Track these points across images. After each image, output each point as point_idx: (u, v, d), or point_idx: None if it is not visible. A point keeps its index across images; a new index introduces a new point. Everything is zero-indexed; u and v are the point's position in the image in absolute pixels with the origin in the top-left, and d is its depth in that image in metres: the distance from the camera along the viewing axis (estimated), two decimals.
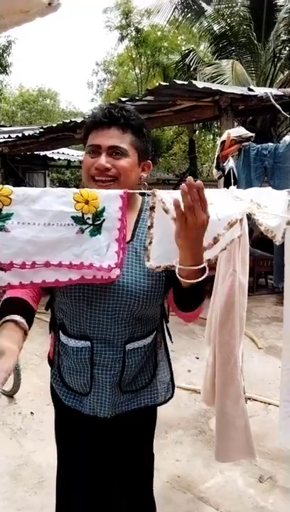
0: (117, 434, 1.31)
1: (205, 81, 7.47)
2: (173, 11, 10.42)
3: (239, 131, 4.14)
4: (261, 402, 3.08)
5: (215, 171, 4.28)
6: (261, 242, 5.89)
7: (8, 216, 0.90)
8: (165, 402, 1.37)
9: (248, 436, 1.79)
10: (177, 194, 0.98)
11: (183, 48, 13.21)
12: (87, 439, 1.30)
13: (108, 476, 1.33)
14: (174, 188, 1.67)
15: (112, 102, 1.33)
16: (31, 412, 2.94)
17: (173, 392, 1.39)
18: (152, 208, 1.00)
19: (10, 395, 3.13)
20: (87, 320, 1.17)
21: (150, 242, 1.01)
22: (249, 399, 2.91)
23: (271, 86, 8.45)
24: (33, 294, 1.20)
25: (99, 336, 1.18)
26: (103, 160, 1.13)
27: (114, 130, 1.15)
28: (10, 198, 0.90)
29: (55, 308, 1.29)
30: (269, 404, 3.05)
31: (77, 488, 1.33)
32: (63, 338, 1.24)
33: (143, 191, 1.11)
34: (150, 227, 1.01)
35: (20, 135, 7.68)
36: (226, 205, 1.09)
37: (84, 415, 1.25)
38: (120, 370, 1.21)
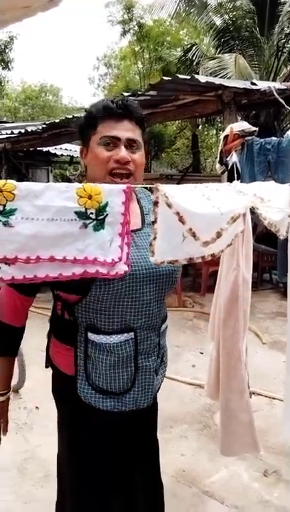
0: (142, 422, 1.32)
1: (207, 75, 7.43)
2: (177, 6, 10.36)
3: (242, 125, 4.13)
4: (265, 396, 3.09)
5: (218, 165, 4.27)
6: (265, 237, 5.87)
7: (12, 211, 0.90)
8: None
9: (252, 430, 1.79)
10: (180, 189, 0.98)
11: (186, 43, 13.14)
12: (119, 434, 1.28)
13: (131, 468, 1.34)
14: (177, 183, 1.67)
15: (118, 95, 1.34)
16: (36, 407, 2.96)
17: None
18: (155, 203, 1.00)
19: (15, 389, 3.15)
20: (132, 311, 1.16)
21: (154, 238, 1.01)
22: (254, 393, 2.92)
23: (274, 80, 8.40)
24: (17, 310, 1.28)
25: (143, 324, 1.18)
26: (125, 152, 1.12)
27: (127, 123, 1.15)
28: (13, 194, 0.90)
29: (79, 312, 1.19)
30: (274, 398, 3.06)
31: (100, 484, 1.30)
32: (98, 337, 1.17)
33: (145, 186, 1.11)
34: (153, 223, 1.01)
35: (22, 131, 7.68)
36: (229, 200, 1.09)
37: (123, 413, 1.21)
38: (157, 354, 1.24)
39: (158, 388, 1.34)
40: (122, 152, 1.12)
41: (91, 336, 1.18)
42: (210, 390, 2.01)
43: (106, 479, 1.30)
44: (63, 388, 1.31)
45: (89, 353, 1.19)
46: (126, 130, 1.14)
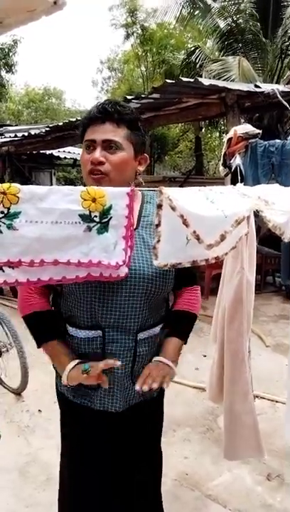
0: (130, 426, 1.31)
1: (211, 78, 7.44)
2: (181, 10, 10.39)
3: (245, 128, 4.13)
4: (268, 399, 3.07)
5: (221, 168, 4.27)
6: (268, 239, 5.86)
7: (16, 215, 0.91)
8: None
9: (256, 433, 1.78)
10: (184, 192, 0.98)
11: (189, 46, 13.17)
12: (101, 434, 1.29)
13: (124, 472, 1.34)
14: (180, 186, 1.67)
15: (109, 99, 1.35)
16: (39, 410, 2.96)
17: None
18: (159, 206, 1.00)
19: (17, 392, 3.15)
20: (101, 308, 1.17)
21: (158, 241, 1.01)
22: (257, 397, 2.91)
23: (277, 82, 8.39)
24: (46, 298, 1.29)
25: (112, 324, 1.18)
26: (97, 153, 1.15)
27: (109, 125, 1.17)
28: (18, 197, 0.91)
29: (60, 303, 1.28)
30: (277, 402, 3.04)
31: (94, 488, 1.32)
32: (71, 330, 1.24)
33: (150, 189, 1.11)
34: (157, 226, 1.01)
35: (26, 134, 7.71)
36: (233, 203, 1.09)
37: (95, 411, 1.25)
38: (131, 360, 1.22)
39: (148, 399, 1.32)
40: (95, 154, 1.16)
41: (68, 327, 1.25)
42: (212, 393, 2.00)
43: (103, 476, 1.32)
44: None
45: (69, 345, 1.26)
46: (104, 132, 1.16)
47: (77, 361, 1.20)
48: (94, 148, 1.17)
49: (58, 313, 1.29)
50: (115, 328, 1.19)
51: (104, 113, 1.17)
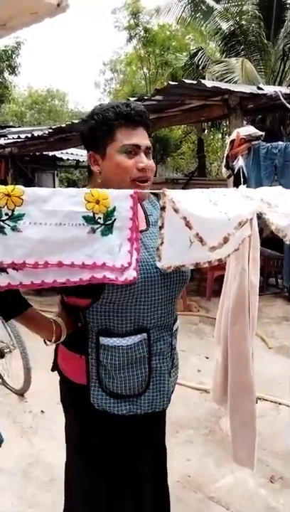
0: (155, 427, 1.33)
1: (214, 80, 7.45)
2: (183, 11, 10.40)
3: (248, 129, 4.12)
4: (271, 402, 3.07)
5: (224, 170, 4.26)
6: (271, 241, 5.85)
7: (20, 216, 0.91)
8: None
9: (252, 443, 1.73)
10: (187, 194, 0.98)
11: (192, 47, 13.18)
12: (134, 440, 1.27)
13: (142, 474, 1.34)
14: (183, 188, 1.67)
15: (122, 101, 1.32)
16: (42, 411, 2.96)
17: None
18: (163, 208, 1.00)
19: (20, 393, 3.15)
20: (145, 310, 1.16)
21: (161, 243, 1.01)
22: (260, 399, 2.90)
23: (280, 84, 8.40)
24: None
25: (156, 324, 1.19)
26: (146, 160, 1.14)
27: (142, 130, 1.17)
28: (21, 199, 0.91)
29: (90, 317, 1.17)
30: (280, 404, 3.04)
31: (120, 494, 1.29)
32: (111, 341, 1.16)
33: (153, 191, 1.11)
34: (161, 228, 1.01)
35: (29, 135, 7.73)
36: (236, 205, 1.09)
37: (140, 417, 1.21)
38: (170, 355, 1.24)
39: (172, 391, 1.34)
40: (145, 160, 1.14)
41: (103, 340, 1.16)
42: (216, 394, 1.99)
43: (120, 487, 1.28)
44: (71, 395, 1.31)
45: (101, 359, 1.17)
46: (143, 137, 1.16)
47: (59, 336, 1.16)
48: (136, 153, 1.13)
49: (85, 329, 1.18)
50: (158, 326, 1.20)
51: (141, 116, 1.15)
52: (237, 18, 9.62)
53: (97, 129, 1.16)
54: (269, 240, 5.71)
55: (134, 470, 1.30)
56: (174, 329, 1.28)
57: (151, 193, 1.19)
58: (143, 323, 1.17)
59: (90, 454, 1.27)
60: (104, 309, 1.15)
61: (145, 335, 1.18)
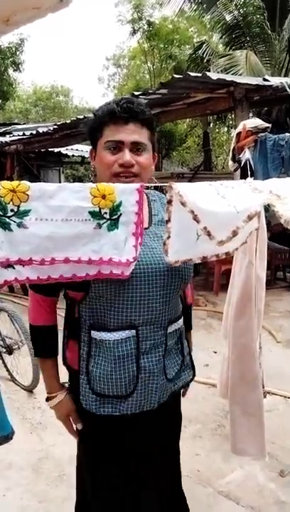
0: (155, 423, 1.30)
1: (218, 72, 7.38)
2: (184, 2, 10.31)
3: (255, 122, 4.09)
4: (280, 395, 3.05)
5: (230, 162, 4.24)
6: (279, 234, 5.81)
7: (26, 212, 0.90)
8: (191, 381, 1.41)
9: (261, 433, 1.72)
10: (194, 187, 0.97)
11: (196, 40, 13.06)
12: (129, 439, 1.26)
13: (151, 472, 1.33)
14: (189, 182, 1.66)
15: (125, 96, 1.34)
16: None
17: (194, 372, 1.42)
18: (169, 202, 0.99)
19: (29, 389, 3.17)
20: (134, 306, 1.14)
21: (168, 237, 1.00)
22: (268, 393, 2.88)
23: (286, 75, 8.32)
24: (54, 312, 1.30)
25: (146, 321, 1.17)
26: (129, 156, 1.13)
27: (133, 125, 1.15)
28: (27, 195, 0.90)
29: (82, 310, 1.20)
30: (289, 398, 3.02)
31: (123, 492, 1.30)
32: (100, 334, 1.17)
33: (159, 184, 1.10)
34: (167, 222, 1.00)
35: (34, 132, 7.73)
36: (244, 198, 1.07)
37: (129, 417, 1.20)
38: (162, 355, 1.22)
39: (175, 393, 1.32)
40: (126, 156, 1.13)
41: (94, 333, 1.18)
42: (222, 389, 1.98)
43: (122, 483, 1.28)
44: (72, 382, 1.33)
45: (92, 353, 1.19)
46: (130, 133, 1.14)
47: (65, 393, 1.29)
48: (119, 149, 1.14)
49: (77, 321, 1.22)
50: (148, 324, 1.18)
51: (129, 112, 1.14)
52: (241, 9, 9.52)
53: (92, 126, 1.21)
54: (277, 233, 5.68)
55: (127, 465, 1.28)
56: (171, 330, 1.24)
57: (158, 186, 1.19)
58: (132, 320, 1.16)
59: (92, 453, 1.31)
60: (94, 303, 1.17)
61: (134, 332, 1.16)
